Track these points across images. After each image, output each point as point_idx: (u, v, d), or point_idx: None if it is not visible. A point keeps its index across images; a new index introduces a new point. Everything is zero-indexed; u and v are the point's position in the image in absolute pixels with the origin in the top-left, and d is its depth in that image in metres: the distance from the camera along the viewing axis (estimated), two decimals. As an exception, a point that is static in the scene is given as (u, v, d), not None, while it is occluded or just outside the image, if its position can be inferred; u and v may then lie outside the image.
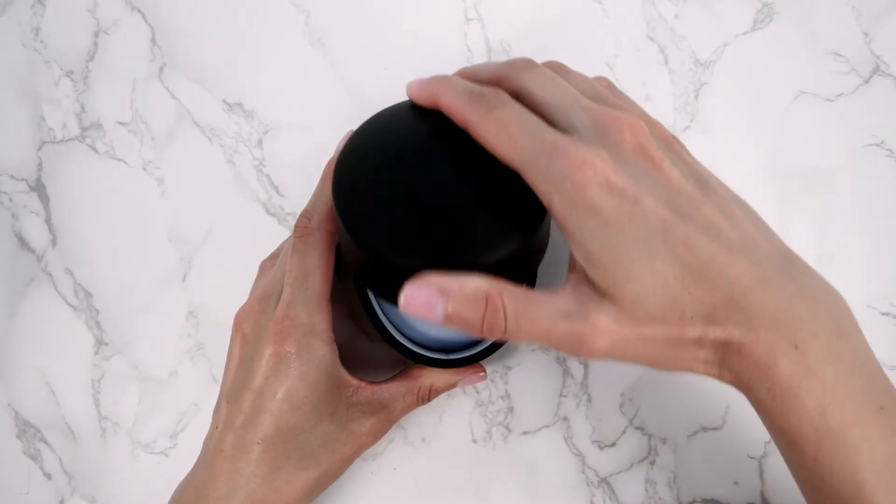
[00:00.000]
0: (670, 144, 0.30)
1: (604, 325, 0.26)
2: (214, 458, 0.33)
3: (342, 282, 0.42)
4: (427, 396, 0.37)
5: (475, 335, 0.28)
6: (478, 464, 0.42)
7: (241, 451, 0.33)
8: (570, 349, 0.27)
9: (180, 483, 0.35)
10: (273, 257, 0.40)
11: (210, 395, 0.42)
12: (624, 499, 0.42)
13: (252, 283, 0.40)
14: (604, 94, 0.31)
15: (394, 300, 0.28)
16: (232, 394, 0.34)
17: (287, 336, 0.33)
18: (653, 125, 0.29)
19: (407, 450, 0.42)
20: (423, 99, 0.32)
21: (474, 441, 0.42)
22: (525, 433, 0.42)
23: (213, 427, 0.35)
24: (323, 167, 0.41)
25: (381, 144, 0.32)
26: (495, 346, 0.37)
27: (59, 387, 0.43)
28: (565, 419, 0.42)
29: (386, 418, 0.36)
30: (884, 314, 0.42)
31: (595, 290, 0.27)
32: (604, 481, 0.42)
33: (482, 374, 0.38)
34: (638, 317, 0.26)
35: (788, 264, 0.28)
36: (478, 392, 0.42)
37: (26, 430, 0.43)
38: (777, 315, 0.26)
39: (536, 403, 0.42)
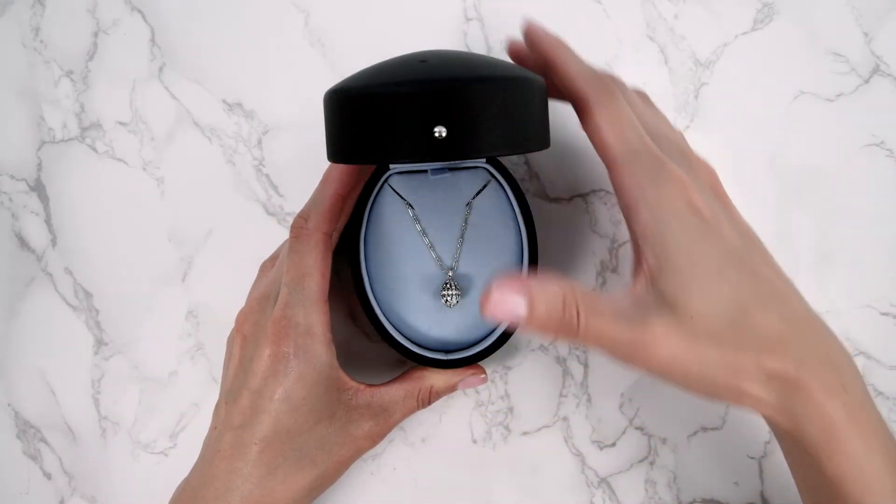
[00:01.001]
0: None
1: (661, 334, 0.27)
2: (212, 457, 0.33)
3: (341, 282, 0.42)
4: (427, 399, 0.37)
5: (549, 336, 0.30)
6: (478, 464, 0.42)
7: (239, 452, 0.33)
8: (630, 357, 0.27)
9: (180, 483, 0.35)
10: (273, 258, 0.40)
11: (210, 395, 0.42)
12: (624, 499, 0.42)
13: (252, 283, 0.40)
14: (680, 136, 0.34)
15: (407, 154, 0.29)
16: (231, 394, 0.34)
17: (285, 336, 0.33)
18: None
19: (407, 450, 0.42)
20: (542, 45, 0.33)
21: (474, 441, 0.42)
22: (525, 433, 0.42)
23: (213, 427, 0.35)
24: (322, 167, 0.41)
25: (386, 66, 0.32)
26: (495, 347, 0.37)
27: (59, 387, 0.43)
28: (565, 419, 0.42)
29: (385, 422, 0.36)
30: (884, 314, 0.42)
31: (659, 299, 0.27)
32: (604, 481, 0.42)
33: (483, 376, 0.38)
34: (698, 332, 0.27)
35: (818, 315, 0.30)
36: (478, 392, 0.42)
37: (26, 430, 0.43)
38: (829, 357, 0.29)
39: (536, 403, 0.42)
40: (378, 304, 0.38)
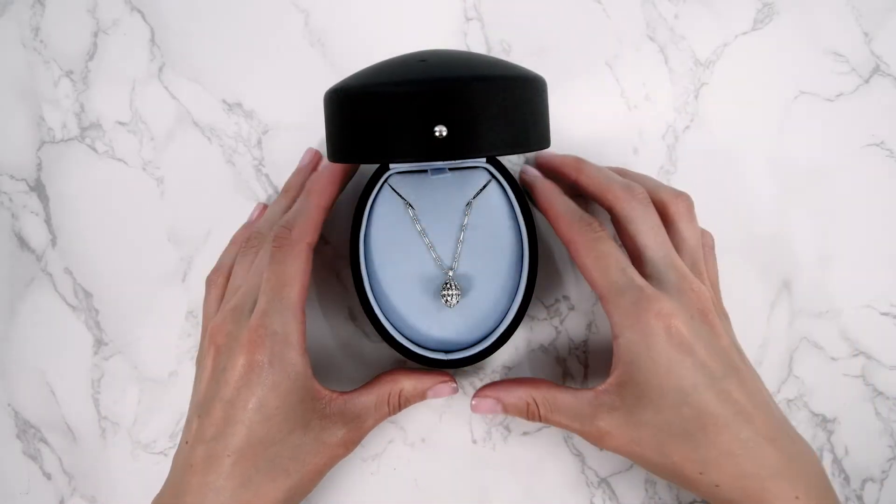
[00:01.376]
0: (723, 316, 0.36)
1: (606, 432, 0.34)
2: (184, 472, 0.33)
3: (341, 283, 0.42)
4: (398, 404, 0.37)
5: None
6: (478, 464, 0.42)
7: (211, 465, 0.32)
8: (586, 439, 0.35)
9: (153, 500, 0.35)
10: (219, 271, 0.39)
11: (210, 395, 0.42)
12: (624, 499, 0.42)
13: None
14: (697, 255, 0.36)
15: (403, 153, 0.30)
16: (203, 406, 0.34)
17: (260, 345, 0.33)
18: (716, 297, 0.37)
19: (406, 450, 0.42)
20: (533, 190, 0.38)
21: (474, 441, 0.42)
22: (525, 433, 0.42)
23: (183, 442, 0.34)
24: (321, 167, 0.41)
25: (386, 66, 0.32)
26: (495, 347, 0.37)
27: (59, 387, 0.43)
28: (565, 419, 0.42)
29: (357, 428, 0.35)
30: (883, 314, 0.42)
31: (618, 403, 0.34)
32: (604, 481, 0.42)
33: (453, 385, 0.38)
34: (644, 437, 0.33)
35: (788, 428, 0.34)
36: (478, 392, 0.42)
37: (26, 430, 0.43)
38: (788, 468, 0.32)
39: (536, 403, 0.42)
40: (378, 304, 0.37)
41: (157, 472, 0.42)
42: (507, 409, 0.36)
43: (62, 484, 0.43)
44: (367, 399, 0.36)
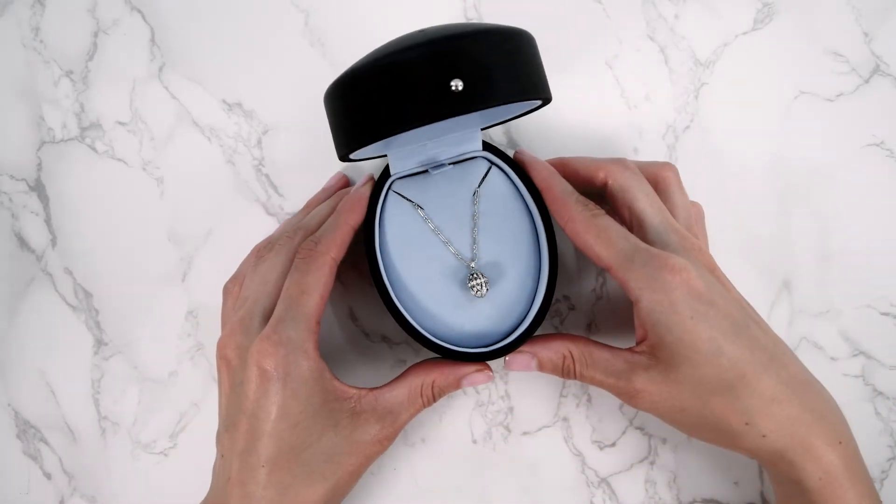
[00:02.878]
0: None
1: (642, 387, 0.33)
2: (224, 484, 0.33)
3: (343, 285, 0.42)
4: (431, 396, 0.36)
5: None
6: (478, 464, 0.42)
7: (249, 476, 0.32)
8: (620, 398, 0.35)
9: None
10: (237, 280, 0.38)
11: (210, 395, 0.42)
12: (624, 499, 0.42)
13: (221, 307, 0.39)
14: (690, 220, 0.37)
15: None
16: (229, 421, 0.34)
17: (272, 354, 0.32)
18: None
19: (407, 450, 0.42)
20: (530, 172, 0.37)
21: (474, 441, 0.42)
22: (525, 433, 0.42)
23: (219, 455, 0.34)
24: (322, 167, 0.41)
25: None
26: (532, 329, 0.36)
27: (59, 387, 0.43)
28: (565, 419, 0.42)
29: (392, 424, 0.35)
30: (884, 314, 0.42)
31: (654, 361, 0.33)
32: (604, 481, 0.42)
33: (489, 373, 0.36)
34: (684, 391, 0.33)
35: (815, 379, 0.34)
36: (478, 392, 0.42)
37: (26, 430, 0.43)
38: (824, 413, 0.33)
39: (536, 403, 0.42)
40: (409, 312, 0.36)
41: (157, 472, 0.42)
42: (542, 365, 0.36)
43: (62, 484, 0.43)
44: (399, 392, 0.35)
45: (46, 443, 0.43)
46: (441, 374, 0.36)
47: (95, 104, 0.43)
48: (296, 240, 0.37)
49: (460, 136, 0.37)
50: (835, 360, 0.42)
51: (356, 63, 0.32)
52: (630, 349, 0.34)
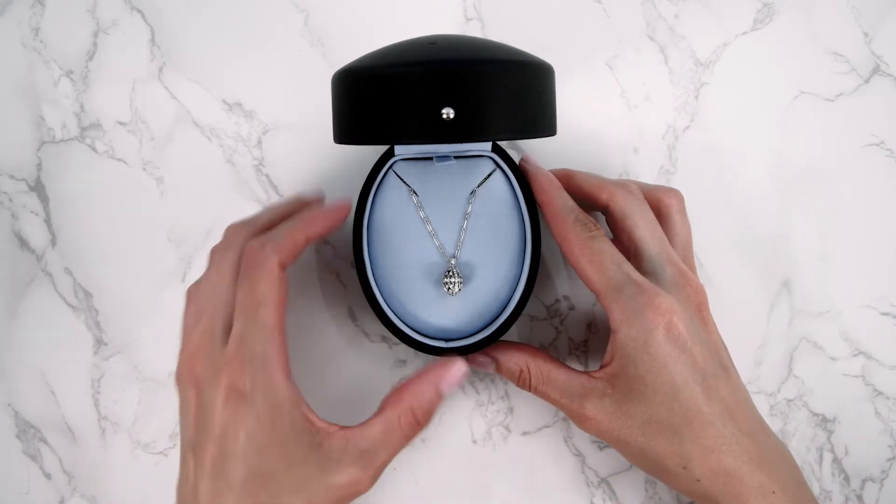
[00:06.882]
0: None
1: (592, 415, 0.34)
2: None
3: (342, 283, 0.42)
4: (415, 422, 0.33)
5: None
6: (478, 464, 0.42)
7: (217, 500, 0.30)
8: (568, 417, 0.35)
9: None
10: (198, 284, 0.36)
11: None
12: (624, 499, 0.42)
13: (184, 310, 0.36)
14: (688, 249, 0.37)
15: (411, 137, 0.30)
16: (195, 442, 0.32)
17: (241, 373, 0.30)
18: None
19: (407, 450, 0.42)
20: (532, 183, 0.37)
21: (474, 441, 0.42)
22: (525, 433, 0.42)
23: (183, 478, 0.32)
24: (322, 166, 0.41)
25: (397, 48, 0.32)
26: (496, 336, 0.36)
27: (59, 387, 0.43)
28: (565, 419, 0.42)
29: (370, 466, 0.32)
30: (884, 314, 0.42)
31: (609, 390, 0.34)
32: (604, 481, 0.42)
33: (461, 367, 0.35)
34: (633, 425, 0.33)
35: (765, 425, 0.35)
36: (477, 392, 0.42)
37: (26, 430, 0.43)
38: (767, 461, 0.33)
39: (536, 403, 0.42)
40: (380, 290, 0.37)
41: (157, 472, 0.42)
42: (500, 370, 0.37)
43: (62, 484, 0.43)
44: (374, 430, 0.32)
45: (46, 443, 0.43)
46: (414, 395, 0.33)
47: (95, 104, 0.43)
48: (240, 239, 0.34)
49: None
50: (835, 360, 0.42)
51: (364, 58, 0.32)
52: (589, 373, 0.35)
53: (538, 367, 0.36)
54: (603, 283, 0.34)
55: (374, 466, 0.32)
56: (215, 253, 0.36)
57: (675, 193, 0.38)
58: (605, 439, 0.35)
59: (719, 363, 0.34)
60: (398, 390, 0.34)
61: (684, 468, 0.33)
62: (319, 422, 0.32)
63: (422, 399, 0.33)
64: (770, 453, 0.33)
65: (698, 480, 0.33)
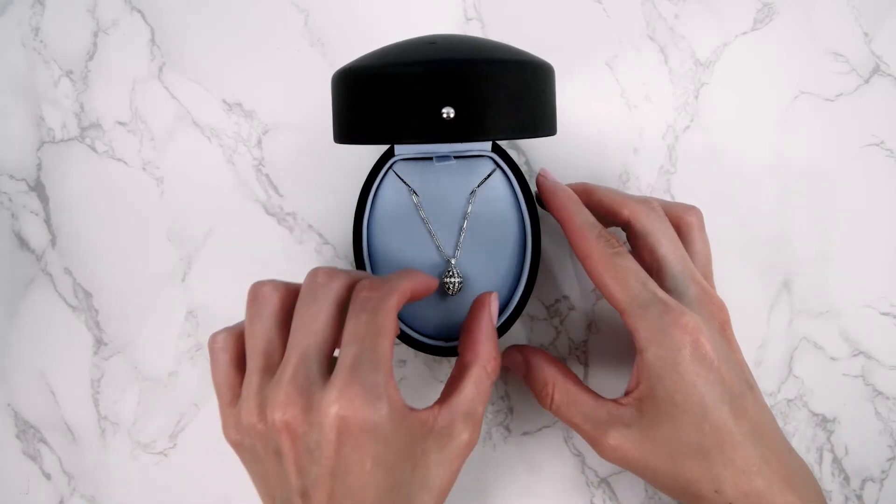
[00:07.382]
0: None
1: (615, 444, 0.33)
2: None
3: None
4: (498, 364, 0.34)
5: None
6: (478, 464, 0.42)
7: None
8: (587, 442, 0.35)
9: None
10: (230, 333, 0.33)
11: (210, 396, 0.42)
12: (624, 499, 0.42)
13: (248, 285, 0.33)
14: (708, 267, 0.37)
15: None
16: (303, 488, 0.30)
17: (358, 404, 0.29)
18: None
19: (407, 450, 0.42)
20: (550, 201, 0.36)
21: (474, 441, 0.42)
22: (525, 433, 0.42)
23: None
24: (323, 166, 0.41)
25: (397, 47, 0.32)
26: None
27: (59, 387, 0.43)
28: (565, 419, 0.42)
29: (475, 424, 0.32)
30: (884, 314, 0.42)
31: (636, 416, 0.33)
32: (604, 481, 0.42)
33: (498, 298, 0.35)
34: (659, 452, 0.33)
35: (789, 444, 0.34)
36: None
37: (26, 430, 0.43)
38: (793, 485, 0.32)
39: (536, 404, 0.42)
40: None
41: (157, 472, 0.42)
42: (526, 377, 0.37)
43: (62, 484, 0.43)
44: (467, 391, 0.32)
45: (46, 443, 0.43)
46: (483, 340, 0.34)
47: (95, 104, 0.43)
48: (336, 285, 0.32)
49: None
50: (835, 360, 0.42)
51: (365, 57, 0.32)
52: (616, 400, 0.34)
53: (565, 387, 0.35)
54: (628, 301, 0.33)
55: (477, 421, 0.33)
56: (308, 292, 0.32)
57: (695, 211, 0.37)
58: (630, 468, 0.34)
59: (745, 382, 0.33)
60: (468, 343, 0.34)
61: (716, 491, 0.32)
62: (424, 413, 0.32)
63: (491, 342, 0.34)
64: (797, 473, 0.33)
65: (730, 503, 0.32)
